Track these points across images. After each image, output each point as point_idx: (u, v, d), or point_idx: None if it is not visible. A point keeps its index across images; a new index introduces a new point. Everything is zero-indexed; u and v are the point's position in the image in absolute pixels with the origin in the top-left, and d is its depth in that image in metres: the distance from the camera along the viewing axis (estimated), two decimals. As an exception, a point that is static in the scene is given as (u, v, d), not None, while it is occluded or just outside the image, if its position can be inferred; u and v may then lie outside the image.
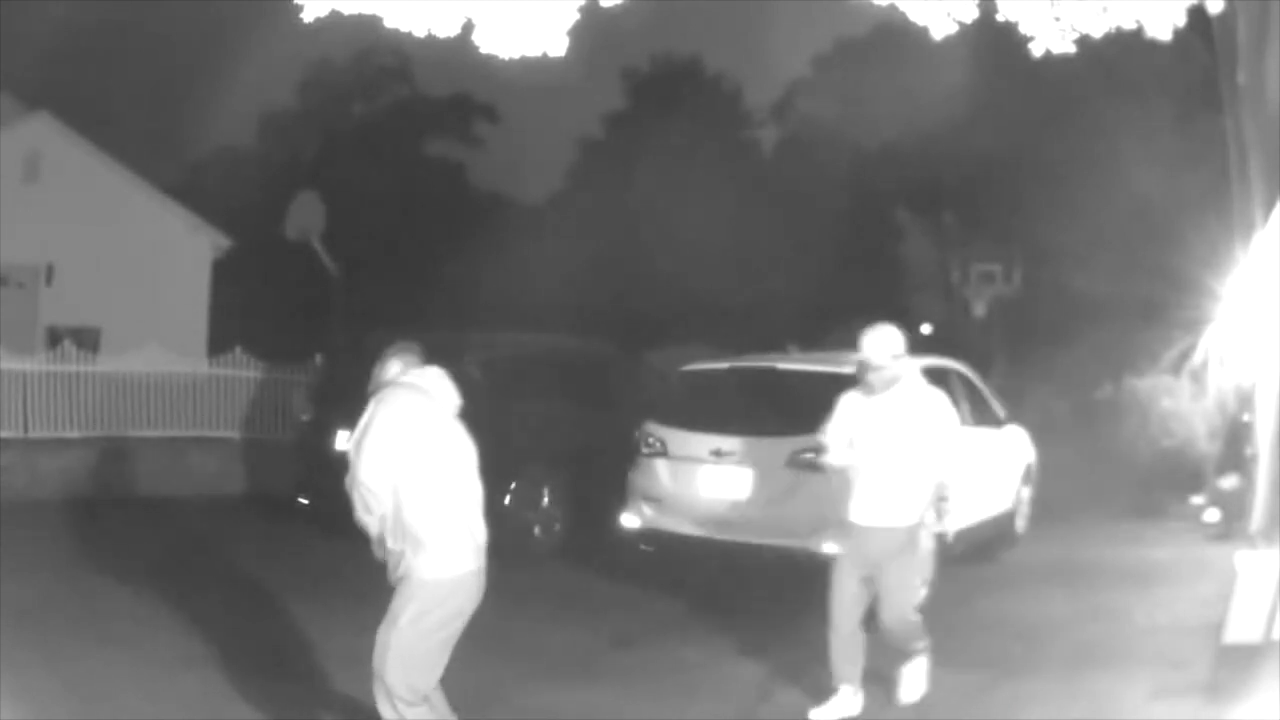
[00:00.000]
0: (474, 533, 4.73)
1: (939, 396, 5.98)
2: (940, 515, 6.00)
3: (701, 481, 8.05)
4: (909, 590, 6.01)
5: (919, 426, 5.76)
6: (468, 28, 6.28)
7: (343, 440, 9.98)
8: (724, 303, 26.92)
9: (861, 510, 5.82)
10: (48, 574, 7.99)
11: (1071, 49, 6.08)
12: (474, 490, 4.80)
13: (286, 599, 7.69)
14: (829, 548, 7.51)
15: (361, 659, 6.14)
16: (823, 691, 6.08)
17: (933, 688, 6.10)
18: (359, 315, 16.56)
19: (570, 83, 20.44)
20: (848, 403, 5.97)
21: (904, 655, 5.96)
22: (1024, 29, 6.06)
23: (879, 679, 6.02)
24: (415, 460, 4.60)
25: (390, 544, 4.67)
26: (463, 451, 4.82)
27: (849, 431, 5.91)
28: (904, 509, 5.76)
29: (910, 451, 5.72)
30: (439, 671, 4.65)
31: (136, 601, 7.15)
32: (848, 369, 8.22)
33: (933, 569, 6.09)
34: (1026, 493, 10.44)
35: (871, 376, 5.84)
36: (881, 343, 5.87)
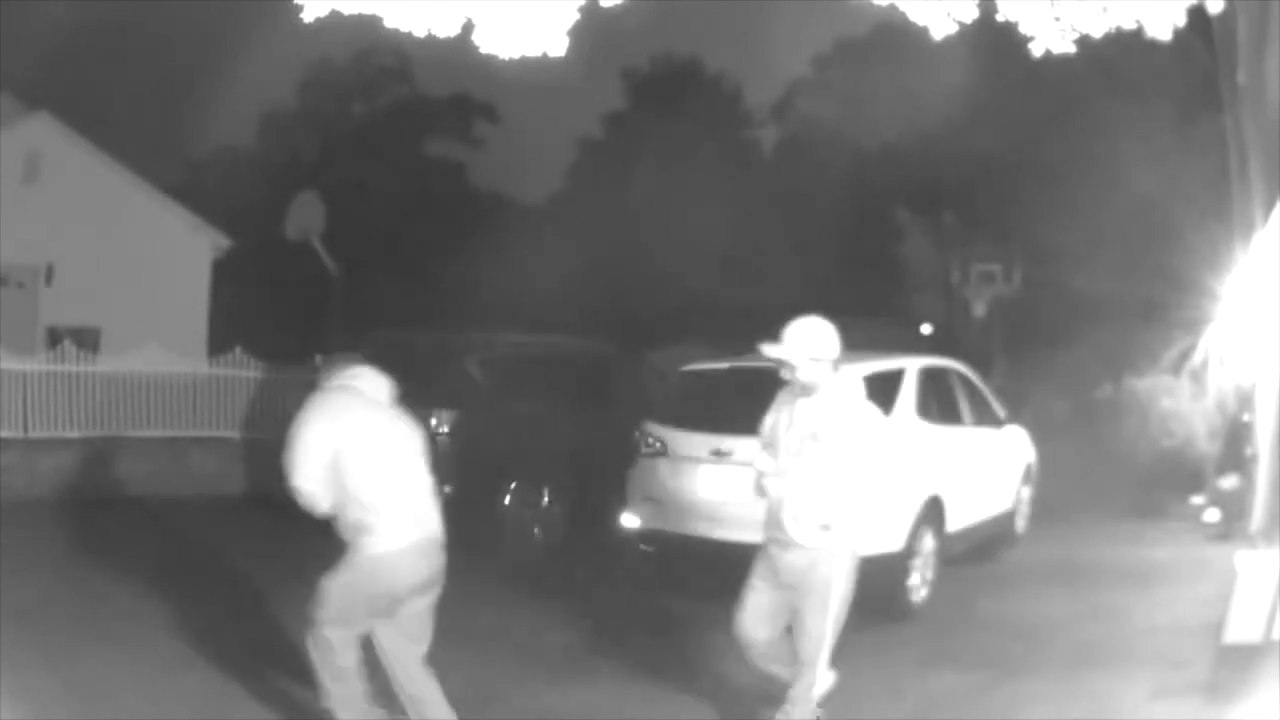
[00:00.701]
0: (419, 517, 4.94)
1: (866, 412, 5.28)
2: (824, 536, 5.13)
3: (701, 481, 8.05)
4: (820, 619, 5.17)
5: (830, 442, 5.05)
6: (468, 28, 6.28)
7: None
8: (724, 303, 26.91)
9: (767, 524, 5.28)
10: (47, 574, 7.99)
11: (1071, 49, 6.08)
12: (418, 476, 5.02)
13: (286, 599, 7.68)
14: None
15: (363, 659, 6.14)
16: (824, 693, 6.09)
17: (933, 688, 6.11)
18: (359, 315, 16.57)
19: (570, 83, 20.46)
20: (777, 401, 5.36)
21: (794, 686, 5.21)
22: (1024, 29, 6.05)
23: (885, 683, 6.01)
24: (348, 453, 4.88)
25: (341, 528, 4.99)
26: (401, 440, 5.05)
27: (768, 434, 5.33)
28: (810, 528, 5.11)
29: (818, 467, 5.06)
30: (359, 631, 4.92)
31: (136, 601, 7.15)
32: (848, 369, 8.26)
33: (847, 593, 5.20)
34: (1026, 493, 10.44)
35: (785, 375, 5.20)
36: (799, 341, 5.13)
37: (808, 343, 5.11)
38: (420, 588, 4.92)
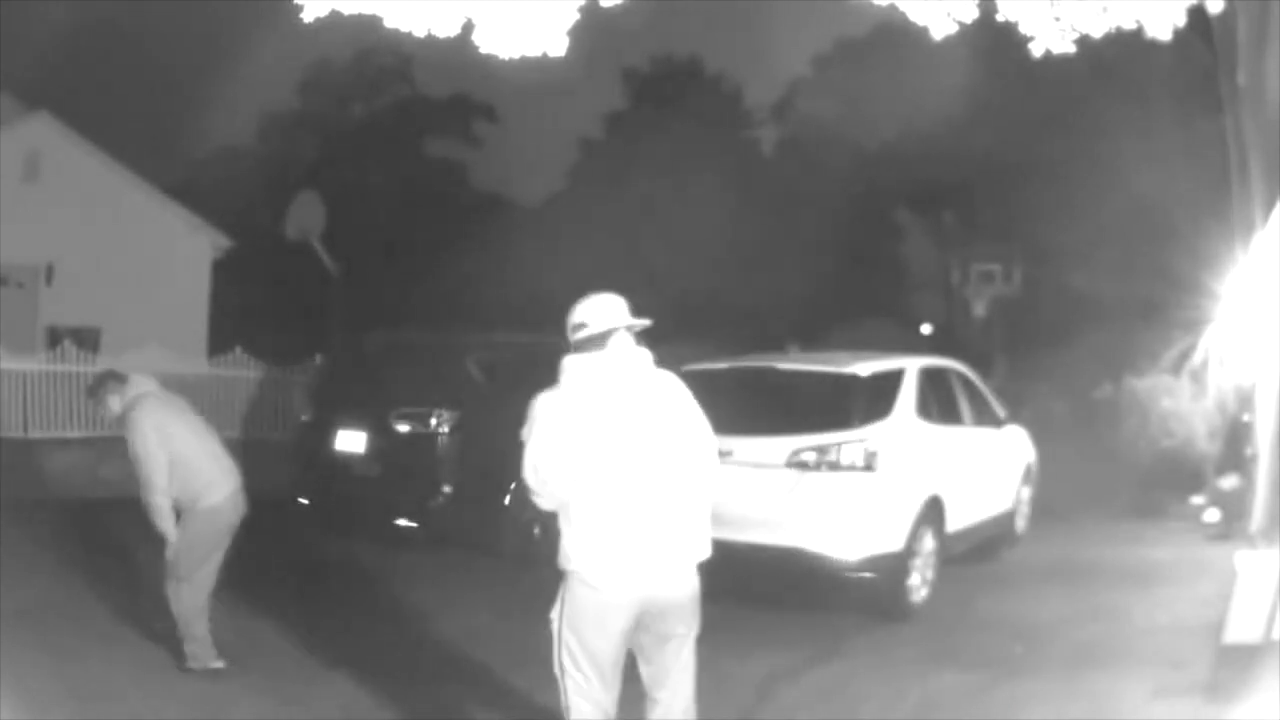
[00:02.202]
0: (226, 467, 6.18)
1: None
2: None
3: (701, 481, 8.02)
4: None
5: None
6: (468, 28, 6.28)
7: (343, 441, 10.02)
8: (724, 302, 26.93)
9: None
10: (48, 574, 7.98)
11: (1071, 49, 6.08)
12: (210, 438, 6.25)
13: (285, 599, 7.69)
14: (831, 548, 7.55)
15: (362, 659, 6.15)
16: (825, 690, 6.09)
17: (933, 688, 6.11)
18: (359, 315, 16.57)
19: (570, 83, 20.48)
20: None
21: None
22: (1024, 29, 6.06)
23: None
24: (174, 441, 5.97)
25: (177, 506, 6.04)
26: (194, 419, 6.29)
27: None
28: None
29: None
30: (213, 576, 6.14)
31: (136, 601, 7.14)
32: (849, 369, 8.27)
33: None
34: (1026, 493, 10.44)
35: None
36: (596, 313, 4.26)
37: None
38: (233, 529, 6.17)
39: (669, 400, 4.19)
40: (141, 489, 5.92)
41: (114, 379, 6.18)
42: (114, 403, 6.09)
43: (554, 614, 4.18)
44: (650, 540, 4.04)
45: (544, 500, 4.16)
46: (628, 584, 4.03)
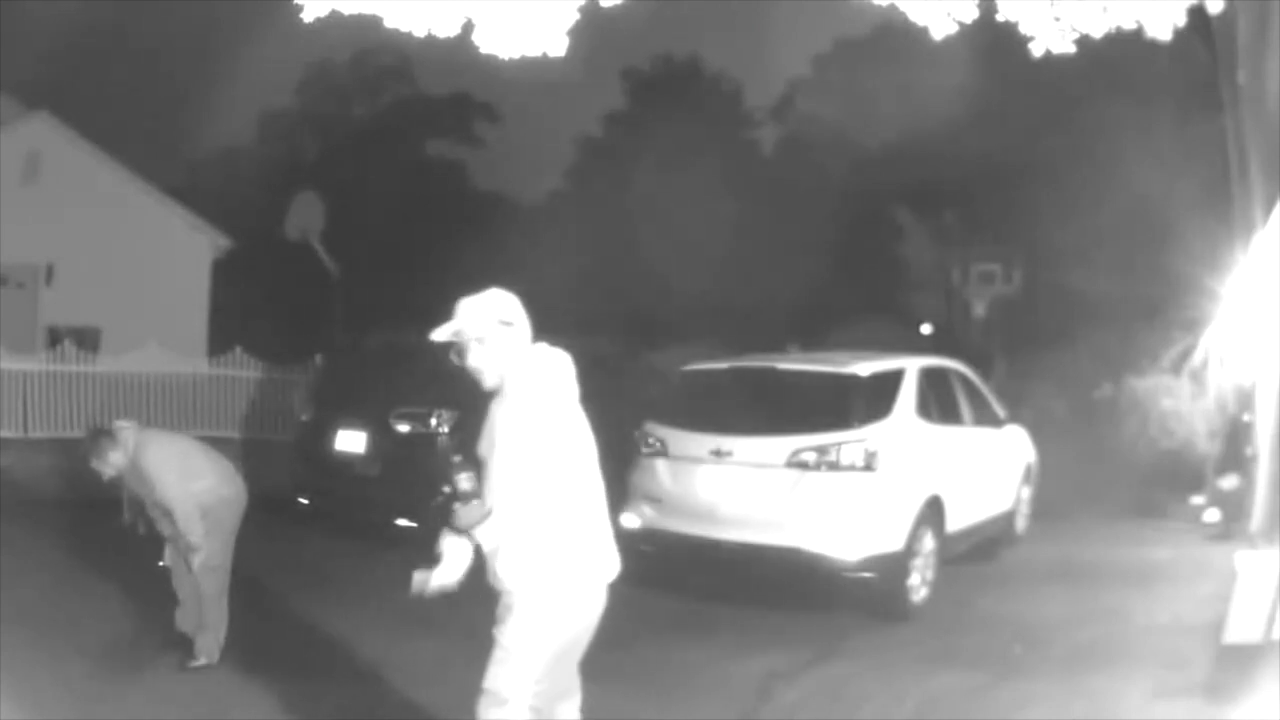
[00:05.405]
0: (226, 465, 6.63)
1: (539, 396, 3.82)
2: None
3: (701, 481, 8.04)
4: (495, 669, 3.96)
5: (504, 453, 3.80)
6: (468, 28, 6.28)
7: (343, 441, 10.01)
8: (724, 302, 26.91)
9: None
10: (48, 574, 7.99)
11: (1071, 49, 6.08)
12: (201, 447, 6.71)
13: (285, 599, 7.70)
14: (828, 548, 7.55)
15: (362, 660, 6.15)
16: (825, 690, 6.09)
17: (933, 688, 6.11)
18: (359, 315, 16.58)
19: (570, 83, 20.47)
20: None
21: None
22: (1024, 29, 6.05)
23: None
24: (188, 461, 6.33)
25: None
26: (181, 438, 6.92)
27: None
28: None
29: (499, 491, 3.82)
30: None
31: (136, 601, 7.14)
32: (849, 369, 8.27)
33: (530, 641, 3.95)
34: (1026, 493, 10.44)
35: (454, 358, 3.91)
36: (471, 314, 3.86)
37: (482, 314, 3.83)
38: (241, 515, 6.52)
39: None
40: (181, 526, 6.05)
41: (106, 436, 6.16)
42: (117, 458, 6.10)
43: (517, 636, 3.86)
44: (599, 550, 3.92)
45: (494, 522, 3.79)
46: (590, 601, 3.92)
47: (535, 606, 3.84)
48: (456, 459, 3.79)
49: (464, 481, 3.78)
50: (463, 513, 3.80)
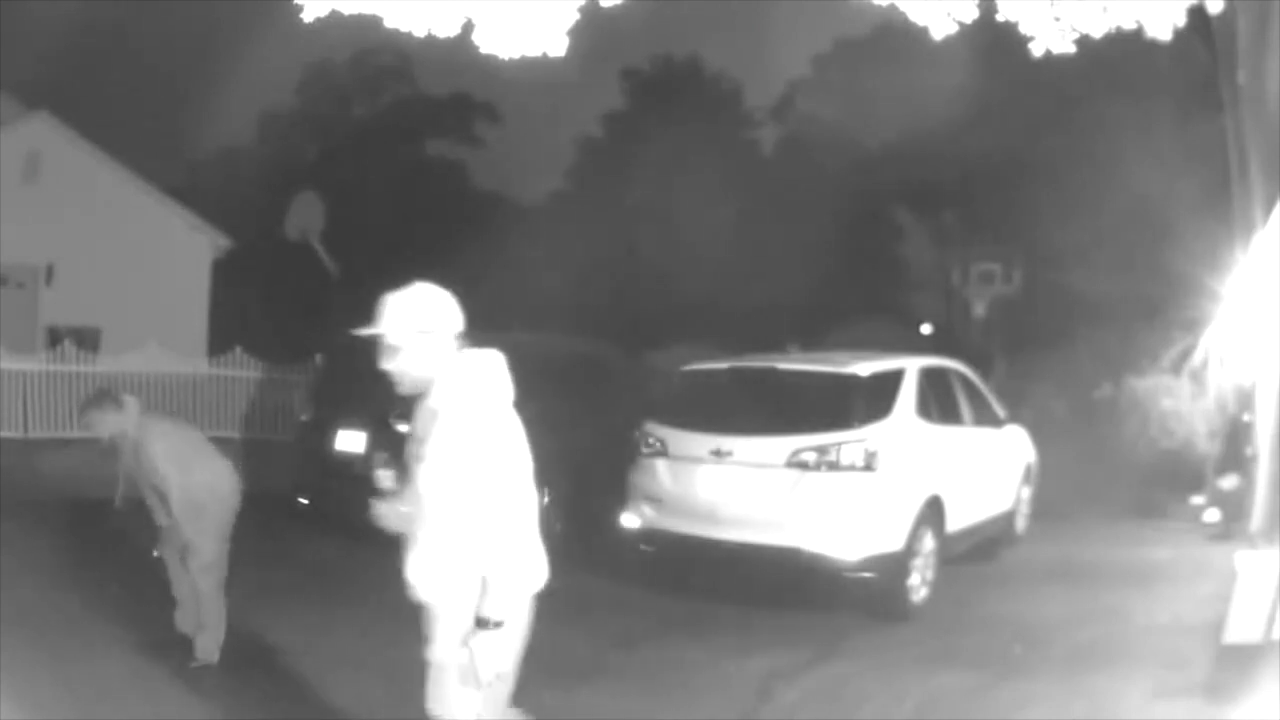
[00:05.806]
0: (221, 461, 6.62)
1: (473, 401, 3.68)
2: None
3: (701, 481, 8.05)
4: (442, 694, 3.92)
5: (433, 454, 3.64)
6: (468, 28, 6.29)
7: (343, 441, 10.02)
8: (724, 302, 26.92)
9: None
10: (48, 574, 7.98)
11: (1071, 49, 6.08)
12: (200, 438, 6.75)
13: (286, 599, 7.69)
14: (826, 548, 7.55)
15: (363, 659, 6.15)
16: (825, 690, 6.10)
17: (933, 688, 6.11)
18: (359, 315, 16.56)
19: (570, 83, 20.47)
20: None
21: None
22: (1024, 29, 6.06)
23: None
24: (183, 448, 6.33)
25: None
26: (184, 427, 6.89)
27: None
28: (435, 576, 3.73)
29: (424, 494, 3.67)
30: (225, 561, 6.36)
31: (137, 601, 7.14)
32: (849, 369, 8.27)
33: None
34: (1026, 493, 10.44)
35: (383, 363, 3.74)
36: (397, 312, 3.74)
37: (400, 322, 3.71)
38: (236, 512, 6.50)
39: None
40: (176, 512, 6.09)
41: (110, 398, 6.23)
42: (115, 420, 6.11)
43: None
44: (524, 560, 3.77)
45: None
46: (515, 611, 3.79)
47: (457, 617, 3.69)
48: (382, 455, 3.86)
49: (384, 480, 3.80)
50: (379, 509, 3.79)
